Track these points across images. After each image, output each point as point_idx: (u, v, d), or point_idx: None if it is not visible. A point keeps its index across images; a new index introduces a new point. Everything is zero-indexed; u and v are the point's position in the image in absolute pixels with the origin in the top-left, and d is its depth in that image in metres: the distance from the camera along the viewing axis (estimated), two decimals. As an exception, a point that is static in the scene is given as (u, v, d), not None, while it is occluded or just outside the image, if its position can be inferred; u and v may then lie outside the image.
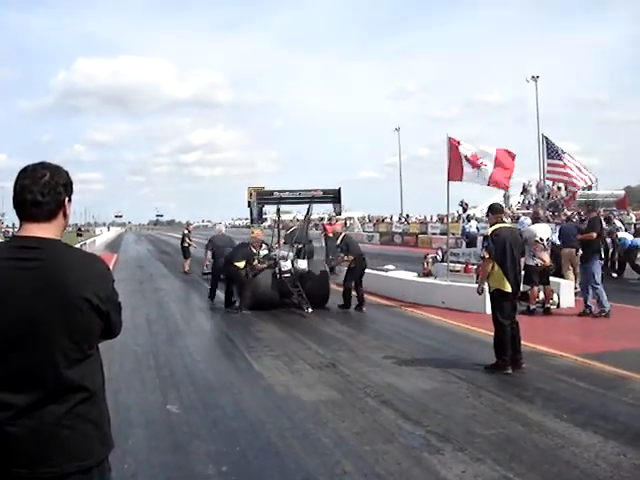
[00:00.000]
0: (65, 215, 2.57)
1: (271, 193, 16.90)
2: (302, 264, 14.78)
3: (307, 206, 16.90)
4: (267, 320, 13.09)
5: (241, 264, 14.13)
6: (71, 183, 2.60)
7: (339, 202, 17.00)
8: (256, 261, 14.38)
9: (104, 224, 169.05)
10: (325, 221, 26.20)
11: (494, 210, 9.00)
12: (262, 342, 10.76)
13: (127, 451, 5.57)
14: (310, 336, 11.20)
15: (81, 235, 66.48)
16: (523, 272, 12.53)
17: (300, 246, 16.09)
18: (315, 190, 16.37)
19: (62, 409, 2.36)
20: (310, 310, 13.71)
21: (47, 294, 2.37)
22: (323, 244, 22.33)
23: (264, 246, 16.06)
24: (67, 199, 2.57)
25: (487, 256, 8.49)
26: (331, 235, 21.02)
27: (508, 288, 8.28)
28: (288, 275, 14.27)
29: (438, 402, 6.99)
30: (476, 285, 13.08)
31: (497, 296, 8.48)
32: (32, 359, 2.35)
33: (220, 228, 20.15)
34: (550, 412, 6.49)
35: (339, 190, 16.48)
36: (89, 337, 2.49)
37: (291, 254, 15.35)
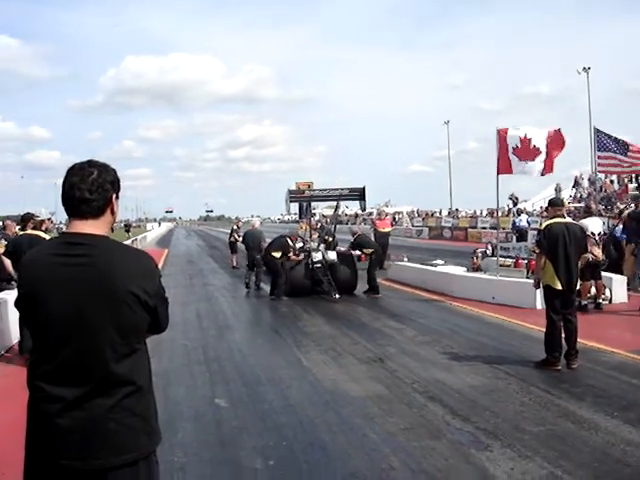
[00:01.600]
0: (113, 212, 2.62)
1: (302, 192, 17.82)
2: (332, 255, 16.03)
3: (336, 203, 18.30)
4: (314, 314, 13.15)
5: (277, 254, 15.56)
6: (118, 180, 2.65)
7: (364, 199, 17.68)
8: (292, 253, 15.75)
9: (155, 220, 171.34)
10: (374, 216, 26.02)
11: (552, 204, 8.88)
12: (310, 337, 10.80)
13: (176, 444, 5.67)
14: (358, 331, 11.21)
15: (129, 231, 67.54)
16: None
17: (330, 239, 17.05)
18: (342, 189, 17.53)
19: (109, 402, 2.41)
20: (338, 296, 15.15)
21: (95, 289, 2.41)
22: (373, 239, 22.28)
23: (299, 239, 17.22)
24: (114, 196, 2.61)
25: (537, 251, 8.40)
26: (381, 230, 21.14)
27: (558, 285, 8.14)
28: (319, 265, 15.71)
29: (487, 398, 6.93)
30: (526, 280, 13.04)
31: (548, 292, 8.37)
32: (81, 353, 2.40)
33: (254, 222, 21.02)
34: (600, 409, 6.38)
35: (364, 188, 17.31)
36: (136, 331, 2.53)
37: (322, 246, 16.46)
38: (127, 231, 67.40)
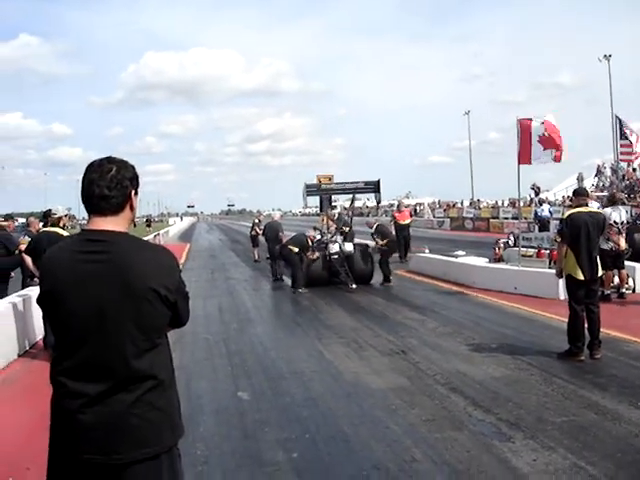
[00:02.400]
0: (132, 208, 2.63)
1: (319, 186, 18.42)
2: (348, 246, 16.46)
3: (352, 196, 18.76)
4: (336, 307, 13.17)
5: (295, 249, 15.95)
6: (137, 177, 2.66)
7: (379, 192, 18.54)
8: (310, 251, 16.14)
9: (177, 214, 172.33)
10: (394, 208, 25.92)
11: (577, 193, 8.87)
12: (332, 329, 10.81)
13: (199, 438, 5.71)
14: (379, 323, 11.21)
15: (150, 226, 67.94)
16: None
17: (347, 230, 17.50)
18: (357, 182, 18.32)
19: (131, 397, 2.43)
20: (354, 286, 15.58)
21: (115, 286, 2.43)
22: (393, 231, 22.26)
23: (317, 231, 17.94)
24: (133, 192, 2.62)
25: (559, 240, 8.37)
26: (402, 222, 21.17)
27: (580, 275, 8.07)
28: (336, 256, 16.20)
29: (509, 389, 6.90)
30: (548, 270, 12.97)
31: (569, 281, 8.32)
32: (102, 349, 2.43)
33: (274, 215, 21.63)
34: (624, 399, 6.33)
35: (378, 181, 18.16)
36: (157, 327, 2.55)
37: (339, 238, 16.86)
38: (148, 226, 67.79)
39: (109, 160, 2.60)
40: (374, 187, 18.27)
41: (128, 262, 2.47)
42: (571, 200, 9.46)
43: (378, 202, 21.14)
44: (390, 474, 4.87)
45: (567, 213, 8.61)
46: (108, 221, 2.54)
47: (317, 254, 16.27)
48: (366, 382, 7.43)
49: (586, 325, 8.09)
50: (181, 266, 23.85)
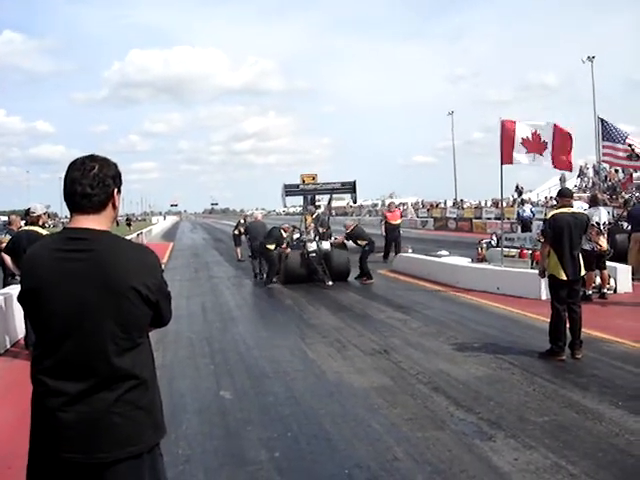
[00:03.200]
0: (114, 206, 2.63)
1: (297, 186, 19.05)
2: (325, 245, 17.30)
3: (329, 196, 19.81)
4: (319, 307, 13.16)
5: (272, 246, 16.79)
6: (119, 175, 2.65)
7: (355, 192, 19.14)
8: (285, 244, 17.03)
9: (160, 213, 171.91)
10: (384, 208, 25.90)
11: (561, 194, 8.90)
12: (315, 329, 10.82)
13: (181, 436, 5.71)
14: (362, 322, 11.23)
15: (130, 225, 67.72)
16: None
17: (323, 229, 18.31)
18: (334, 183, 18.98)
19: (113, 396, 2.42)
20: (331, 283, 16.26)
21: (96, 285, 2.43)
22: (382, 232, 22.41)
23: (296, 230, 18.79)
24: (116, 190, 2.62)
25: (542, 240, 8.45)
26: (393, 222, 21.32)
27: (562, 275, 8.13)
28: (314, 255, 16.79)
29: (490, 389, 6.94)
30: (531, 270, 13.04)
31: (551, 281, 8.39)
32: (83, 348, 2.42)
33: (256, 215, 22.27)
34: (605, 399, 6.38)
35: (354, 182, 18.83)
36: (138, 326, 2.54)
37: (317, 237, 17.78)
38: (129, 225, 67.60)
39: (91, 158, 2.59)
40: (351, 188, 18.98)
41: (109, 260, 2.47)
42: (556, 201, 9.54)
43: (354, 202, 21.83)
44: (372, 473, 4.88)
45: (550, 213, 8.69)
46: (90, 219, 2.54)
47: (289, 249, 17.05)
48: (349, 381, 7.44)
49: (568, 325, 8.15)
50: (164, 265, 23.81)
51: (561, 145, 13.17)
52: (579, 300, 8.51)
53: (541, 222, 10.49)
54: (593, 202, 13.92)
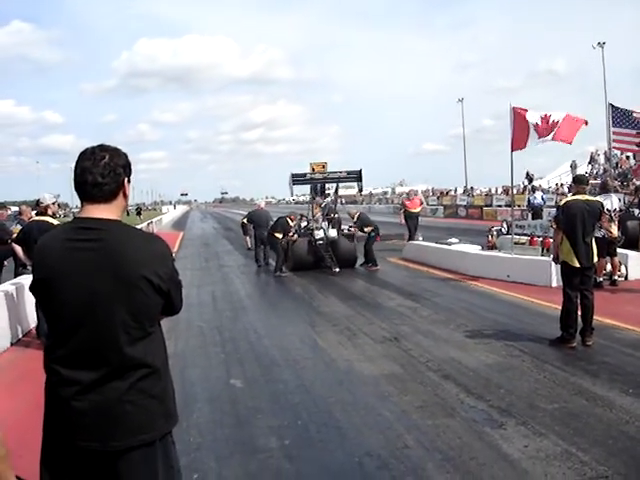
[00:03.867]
0: (125, 196, 2.64)
1: (304, 175, 19.12)
2: (332, 233, 17.57)
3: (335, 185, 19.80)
4: (329, 295, 13.18)
5: (279, 235, 17.12)
6: (129, 164, 2.66)
7: (361, 181, 19.15)
8: (292, 232, 17.40)
9: (170, 202, 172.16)
10: (404, 196, 25.51)
11: (576, 181, 8.92)
12: (325, 317, 10.84)
13: (192, 425, 5.74)
14: (373, 311, 11.24)
15: (140, 214, 67.86)
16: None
17: (331, 217, 18.48)
18: (340, 172, 19.09)
19: (125, 385, 2.44)
20: (338, 270, 16.40)
21: (107, 274, 2.44)
22: (401, 220, 22.38)
23: (304, 218, 19.19)
24: (126, 180, 2.63)
25: (555, 226, 8.42)
26: (412, 210, 21.47)
27: (575, 262, 8.09)
28: (321, 242, 17.21)
29: (501, 376, 6.93)
30: (541, 258, 13.02)
31: (564, 268, 8.34)
32: (96, 337, 2.44)
33: (260, 203, 22.55)
34: (615, 386, 6.37)
35: (360, 170, 18.88)
36: (150, 315, 2.55)
37: (324, 224, 17.97)
38: (139, 214, 67.74)
39: (102, 148, 2.60)
40: (357, 176, 19.16)
41: (120, 250, 2.47)
42: (570, 187, 9.57)
43: (360, 190, 21.90)
44: (382, 460, 4.89)
45: (564, 200, 8.64)
46: (101, 209, 2.54)
47: (296, 236, 17.46)
48: (359, 369, 7.46)
49: (579, 312, 8.13)
50: (175, 254, 23.86)
51: (569, 125, 13.13)
52: (592, 287, 8.45)
53: (552, 209, 10.51)
54: (603, 189, 13.86)
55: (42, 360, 2.55)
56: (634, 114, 16.31)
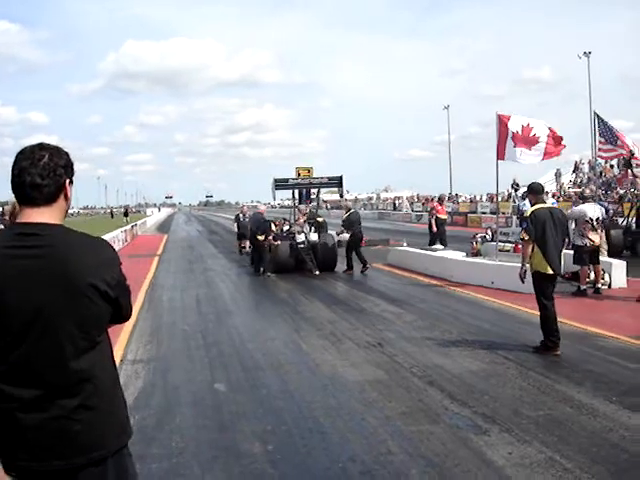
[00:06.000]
0: (66, 198, 2.47)
1: (286, 180, 19.73)
2: (313, 236, 18.25)
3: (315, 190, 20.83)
4: (313, 300, 13.17)
5: (261, 237, 17.34)
6: (72, 164, 2.50)
7: (341, 186, 20.03)
8: (271, 236, 17.49)
9: (155, 205, 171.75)
10: (435, 202, 24.36)
11: (534, 190, 8.85)
12: (309, 322, 10.81)
13: (175, 429, 5.69)
14: (357, 316, 11.22)
15: (127, 216, 67.63)
16: (573, 252, 12.48)
17: (313, 221, 18.97)
18: (322, 177, 19.85)
19: (73, 402, 2.31)
20: (318, 273, 17.15)
21: (52, 283, 2.30)
22: (433, 226, 21.16)
23: (286, 223, 19.67)
24: (68, 181, 2.46)
25: (526, 238, 8.40)
26: (443, 217, 21.32)
27: (549, 270, 8.16)
28: (302, 245, 17.78)
29: (485, 383, 6.94)
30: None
31: (538, 278, 8.36)
32: (39, 351, 2.29)
33: (260, 207, 22.25)
34: (599, 394, 6.38)
35: (341, 177, 19.69)
36: (99, 324, 2.42)
37: (307, 228, 18.42)
38: (125, 216, 67.50)
39: (41, 147, 2.44)
40: (338, 182, 19.84)
41: (65, 257, 2.33)
42: (527, 197, 9.66)
43: (341, 195, 22.36)
44: (366, 466, 4.87)
45: (529, 210, 8.66)
46: (41, 212, 2.39)
47: (278, 241, 17.75)
48: (343, 375, 7.43)
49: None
50: (158, 257, 23.77)
51: (555, 140, 13.29)
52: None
53: (521, 220, 10.69)
54: (582, 198, 14.03)
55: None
56: (614, 131, 16.46)
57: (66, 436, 2.30)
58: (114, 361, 2.54)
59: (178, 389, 7.08)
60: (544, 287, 8.31)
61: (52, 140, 2.62)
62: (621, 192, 29.38)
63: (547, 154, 13.43)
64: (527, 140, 13.31)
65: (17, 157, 2.42)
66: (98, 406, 2.37)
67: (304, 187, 20.24)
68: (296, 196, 20.56)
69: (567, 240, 8.88)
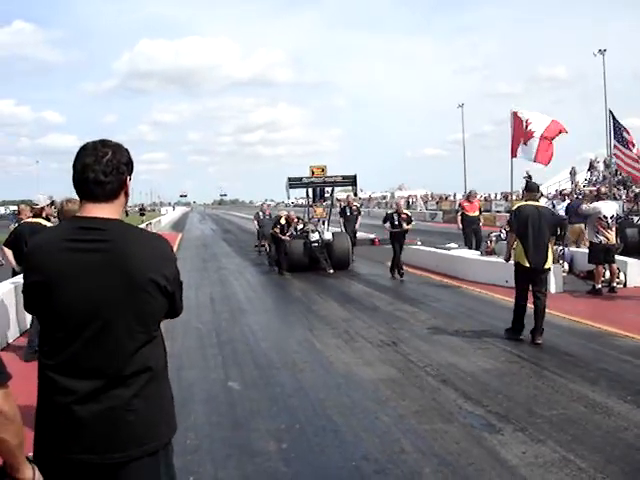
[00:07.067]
0: (126, 194, 2.49)
1: (300, 179, 19.70)
2: (327, 235, 18.38)
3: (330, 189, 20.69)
4: (327, 299, 13.17)
5: (277, 230, 17.79)
6: (132, 161, 2.51)
7: (355, 185, 20.15)
8: (288, 233, 17.80)
9: (169, 203, 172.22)
10: (462, 199, 23.15)
11: (528, 188, 9.61)
12: (323, 320, 10.83)
13: (189, 427, 5.69)
14: (371, 314, 11.22)
15: (143, 214, 67.78)
16: (587, 250, 12.49)
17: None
18: (336, 176, 19.78)
19: (129, 392, 2.30)
20: (332, 271, 17.27)
21: (113, 277, 2.29)
22: (459, 225, 19.66)
23: (300, 221, 19.25)
24: (128, 178, 2.48)
25: (508, 229, 9.22)
26: (471, 214, 19.31)
27: (526, 263, 8.66)
28: (316, 244, 17.87)
29: (499, 382, 6.93)
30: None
31: (516, 268, 8.97)
32: (97, 343, 2.28)
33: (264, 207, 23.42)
34: (614, 393, 6.36)
35: (355, 175, 19.76)
36: (155, 318, 2.43)
37: (320, 227, 18.78)
38: (142, 214, 67.68)
39: (104, 143, 2.43)
40: (352, 181, 19.87)
41: (126, 252, 2.33)
42: (523, 194, 10.09)
43: (355, 194, 22.33)
44: (379, 465, 4.88)
45: (515, 205, 9.44)
46: (102, 207, 2.38)
47: (287, 237, 17.78)
48: (357, 373, 7.44)
49: (533, 310, 8.73)
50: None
51: (548, 138, 13.31)
52: (545, 289, 9.01)
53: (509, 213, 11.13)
54: (597, 196, 13.97)
55: (37, 367, 2.39)
56: (624, 134, 16.36)
57: (122, 427, 2.29)
58: (166, 353, 2.54)
59: (192, 386, 7.11)
60: (520, 278, 8.91)
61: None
62: (637, 190, 29.18)
63: (539, 152, 13.44)
64: (525, 134, 13.39)
65: (79, 153, 2.42)
66: (153, 397, 2.37)
67: (318, 186, 20.16)
68: (310, 195, 20.43)
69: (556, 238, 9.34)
